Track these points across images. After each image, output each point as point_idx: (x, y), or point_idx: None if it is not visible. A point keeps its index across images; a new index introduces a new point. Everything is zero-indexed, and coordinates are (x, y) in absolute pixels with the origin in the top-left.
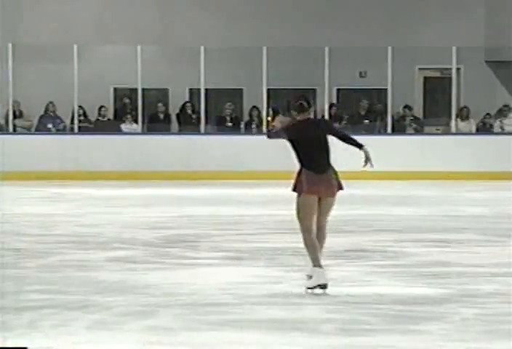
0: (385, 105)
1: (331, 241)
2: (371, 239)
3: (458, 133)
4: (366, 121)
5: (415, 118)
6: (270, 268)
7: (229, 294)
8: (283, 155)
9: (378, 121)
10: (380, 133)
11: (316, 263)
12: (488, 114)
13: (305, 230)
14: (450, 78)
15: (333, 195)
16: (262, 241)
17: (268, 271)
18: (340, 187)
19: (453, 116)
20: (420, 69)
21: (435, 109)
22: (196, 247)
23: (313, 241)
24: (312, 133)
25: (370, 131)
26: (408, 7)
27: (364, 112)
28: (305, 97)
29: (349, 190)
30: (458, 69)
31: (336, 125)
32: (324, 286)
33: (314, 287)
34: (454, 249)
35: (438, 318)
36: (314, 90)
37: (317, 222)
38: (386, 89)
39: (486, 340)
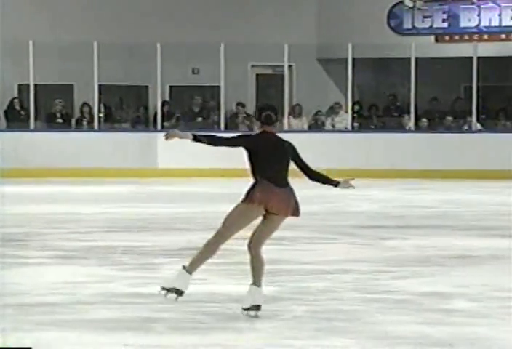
0: (218, 102)
1: (165, 239)
2: (203, 237)
3: (291, 130)
4: (200, 118)
5: (248, 116)
6: (102, 267)
7: (60, 293)
8: (115, 152)
9: (211, 117)
10: (215, 130)
11: (191, 270)
12: (319, 111)
13: (218, 237)
14: (282, 76)
15: (285, 214)
16: (93, 239)
17: (100, 270)
18: (297, 213)
19: (285, 113)
20: (252, 66)
21: None
22: (25, 246)
23: (210, 253)
24: (275, 146)
25: (204, 128)
26: (240, 4)
27: (197, 109)
28: (273, 108)
29: (186, 187)
30: (290, 66)
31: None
32: (177, 292)
33: (166, 293)
34: (286, 246)
35: (271, 316)
36: (146, 87)
37: (253, 242)
38: (219, 86)
39: (317, 337)
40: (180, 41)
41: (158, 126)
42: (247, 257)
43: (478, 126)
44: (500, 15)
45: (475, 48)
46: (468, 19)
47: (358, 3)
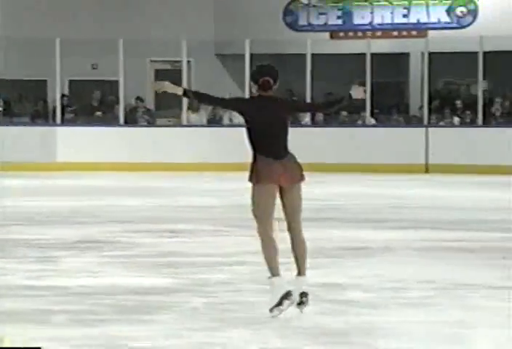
0: (117, 97)
1: (64, 232)
2: (102, 230)
3: (189, 125)
4: (99, 112)
5: (147, 110)
6: (1, 260)
7: None
8: (14, 146)
9: (111, 112)
10: (114, 124)
11: (274, 272)
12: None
13: (262, 232)
14: (181, 71)
15: (297, 181)
16: None
17: (0, 263)
18: (302, 178)
19: (184, 108)
20: (151, 61)
21: (166, 101)
22: None
23: (270, 246)
24: (271, 112)
25: (103, 122)
26: (139, 0)
27: (96, 103)
28: (272, 72)
29: (81, 180)
30: (189, 62)
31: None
32: (286, 296)
33: (279, 304)
34: (184, 239)
35: (170, 307)
36: (45, 81)
37: (288, 226)
38: (118, 81)
39: (216, 328)
40: (79, 36)
41: (58, 120)
42: (147, 249)
43: (372, 120)
44: (392, 13)
45: (368, 44)
46: (362, 17)
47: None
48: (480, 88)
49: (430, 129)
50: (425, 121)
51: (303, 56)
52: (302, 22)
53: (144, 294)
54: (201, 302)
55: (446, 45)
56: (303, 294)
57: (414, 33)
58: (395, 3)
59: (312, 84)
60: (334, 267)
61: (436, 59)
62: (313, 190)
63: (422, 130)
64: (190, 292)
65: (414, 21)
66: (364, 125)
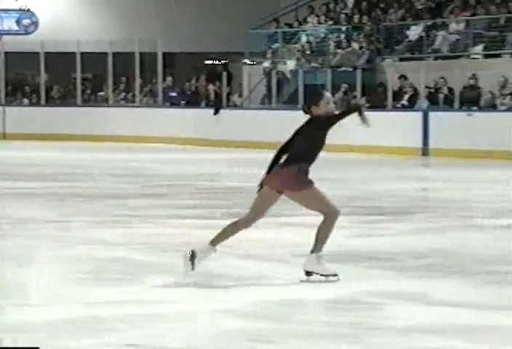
0: None
1: None
2: None
3: None
4: None
5: None
6: None
7: None
8: None
9: None
10: None
11: (213, 242)
12: None
13: (245, 221)
14: None
15: (276, 188)
16: None
17: None
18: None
19: None
20: None
21: None
22: None
23: (236, 231)
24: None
25: None
26: None
27: None
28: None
29: None
30: None
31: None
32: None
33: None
34: None
35: None
36: None
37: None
38: None
39: None
40: None
41: None
42: None
43: None
44: None
45: None
46: None
47: None
48: (42, 78)
49: (6, 108)
50: (3, 101)
51: None
52: None
53: None
54: None
55: (17, 46)
56: (308, 273)
57: None
58: None
59: None
60: None
61: (10, 57)
62: None
63: (0, 108)
64: None
65: None
66: None
